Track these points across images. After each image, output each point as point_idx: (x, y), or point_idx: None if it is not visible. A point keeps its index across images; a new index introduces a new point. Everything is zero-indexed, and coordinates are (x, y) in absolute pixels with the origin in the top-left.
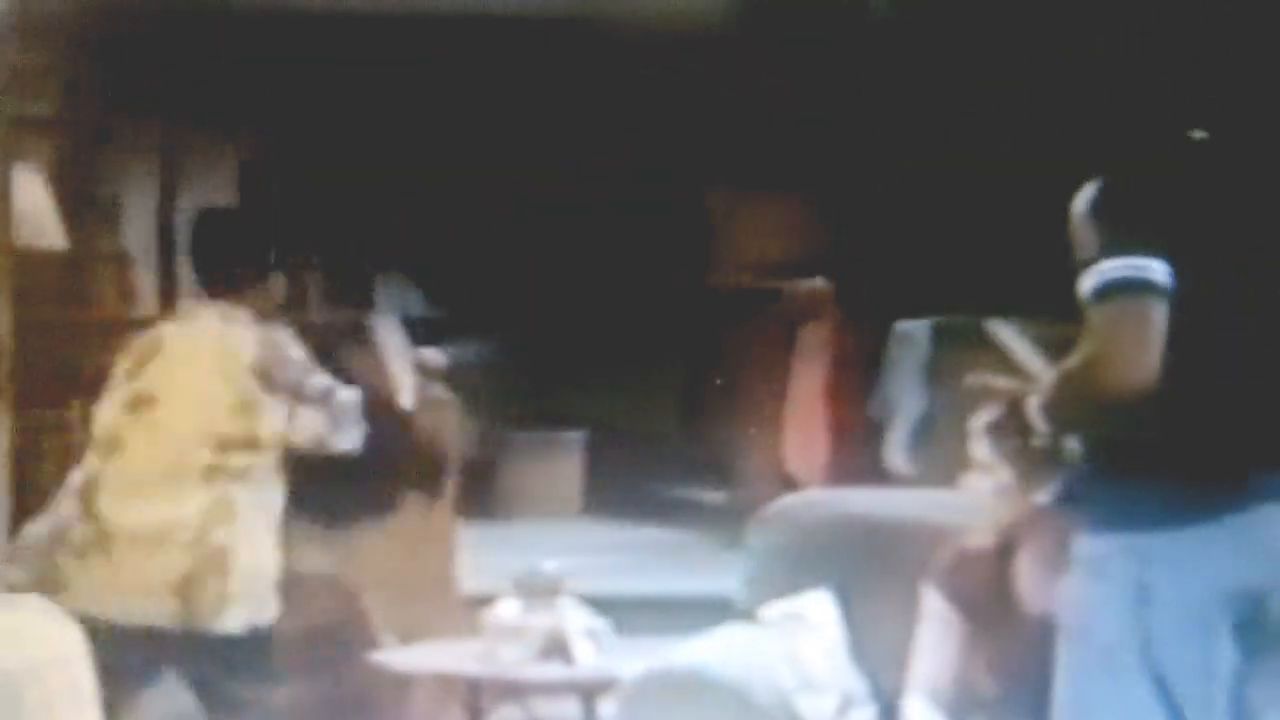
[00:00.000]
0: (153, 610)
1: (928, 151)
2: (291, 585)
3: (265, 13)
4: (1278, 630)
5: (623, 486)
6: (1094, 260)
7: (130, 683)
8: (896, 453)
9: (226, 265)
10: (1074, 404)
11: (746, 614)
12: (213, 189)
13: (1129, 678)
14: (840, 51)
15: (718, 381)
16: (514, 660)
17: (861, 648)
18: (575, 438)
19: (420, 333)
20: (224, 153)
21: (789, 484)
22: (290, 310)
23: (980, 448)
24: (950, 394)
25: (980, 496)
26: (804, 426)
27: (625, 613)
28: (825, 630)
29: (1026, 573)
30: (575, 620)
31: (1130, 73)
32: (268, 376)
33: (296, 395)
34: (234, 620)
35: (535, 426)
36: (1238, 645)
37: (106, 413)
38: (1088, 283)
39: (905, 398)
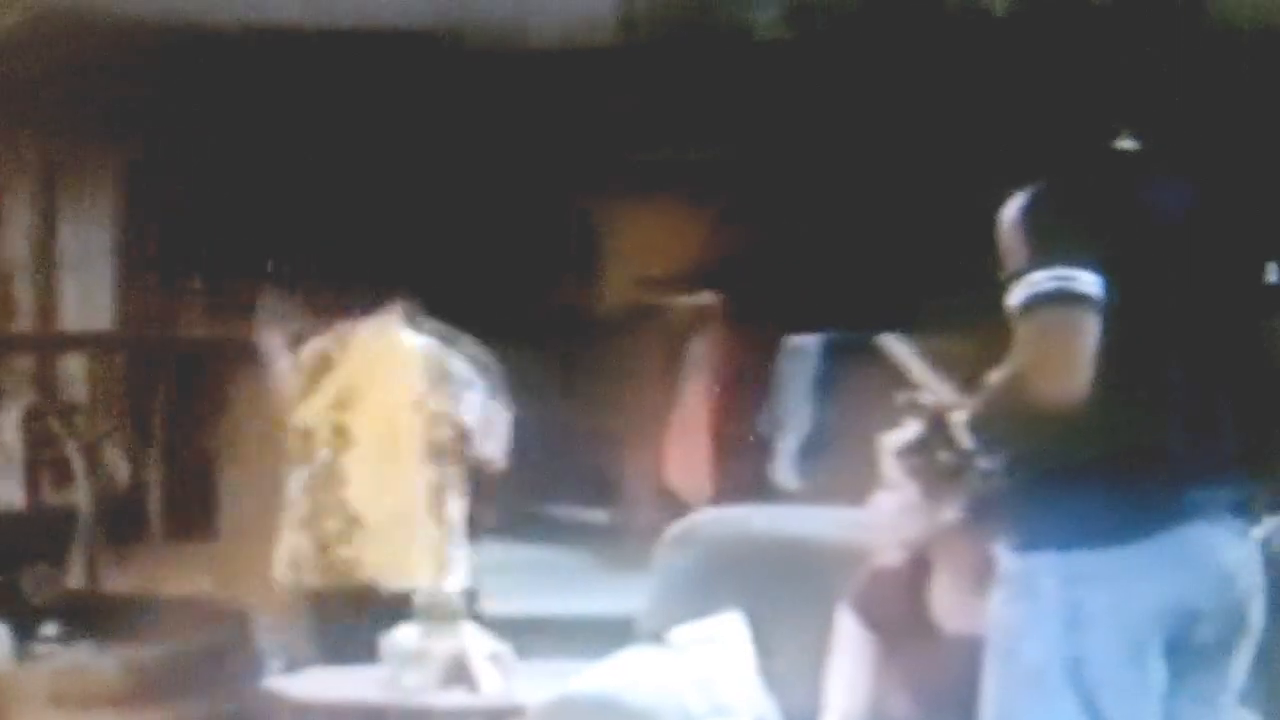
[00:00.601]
0: (402, 578)
1: (818, 164)
2: (171, 607)
3: (145, 23)
4: (1210, 650)
5: (502, 505)
6: (1023, 272)
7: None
8: (786, 469)
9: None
10: (1002, 419)
11: (653, 637)
12: (93, 203)
13: (1058, 698)
14: (728, 65)
15: (601, 398)
16: (416, 687)
17: (774, 671)
18: None
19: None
20: (106, 166)
21: (674, 502)
22: (169, 324)
23: (892, 465)
24: (842, 409)
25: (892, 515)
26: (690, 444)
27: (520, 636)
28: (737, 654)
29: (941, 592)
30: (478, 645)
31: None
32: (445, 370)
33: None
34: (457, 580)
35: None
36: (1169, 665)
37: (314, 413)
38: (1016, 294)
39: (795, 413)
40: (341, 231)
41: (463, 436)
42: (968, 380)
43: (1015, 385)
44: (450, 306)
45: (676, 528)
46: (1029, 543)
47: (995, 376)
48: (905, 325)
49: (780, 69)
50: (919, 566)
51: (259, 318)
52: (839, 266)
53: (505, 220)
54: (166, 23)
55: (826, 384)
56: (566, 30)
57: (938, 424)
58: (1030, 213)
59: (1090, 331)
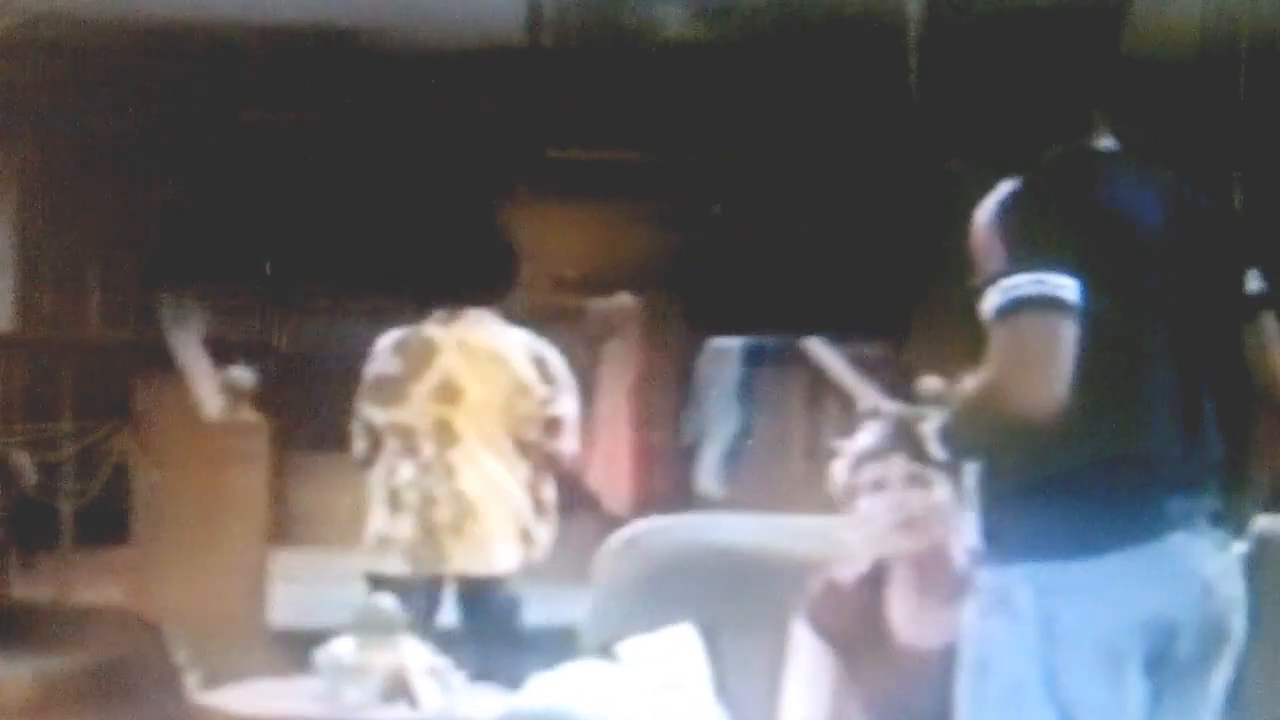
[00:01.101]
0: (504, 560)
1: (737, 165)
2: (83, 616)
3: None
4: (1190, 664)
5: None
6: (999, 275)
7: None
8: (708, 476)
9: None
10: (978, 428)
11: (599, 650)
12: None
13: (1034, 714)
14: (639, 64)
15: None
16: (356, 703)
17: (728, 686)
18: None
19: (221, 352)
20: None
21: (594, 510)
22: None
23: (849, 474)
24: (766, 415)
25: (850, 525)
26: (608, 449)
27: (452, 648)
28: (690, 668)
29: (900, 603)
30: (418, 659)
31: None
32: (542, 365)
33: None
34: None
35: (327, 448)
36: (1148, 680)
37: (418, 407)
38: (992, 300)
39: (718, 419)
40: (250, 236)
41: (557, 429)
42: (894, 385)
43: (992, 394)
44: (365, 307)
45: (619, 536)
46: (1004, 554)
47: (969, 384)
48: (830, 329)
49: (693, 68)
50: (876, 576)
51: (164, 321)
52: (761, 268)
53: (417, 221)
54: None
55: (749, 389)
56: (476, 30)
57: (903, 434)
58: (1007, 214)
59: (1070, 338)
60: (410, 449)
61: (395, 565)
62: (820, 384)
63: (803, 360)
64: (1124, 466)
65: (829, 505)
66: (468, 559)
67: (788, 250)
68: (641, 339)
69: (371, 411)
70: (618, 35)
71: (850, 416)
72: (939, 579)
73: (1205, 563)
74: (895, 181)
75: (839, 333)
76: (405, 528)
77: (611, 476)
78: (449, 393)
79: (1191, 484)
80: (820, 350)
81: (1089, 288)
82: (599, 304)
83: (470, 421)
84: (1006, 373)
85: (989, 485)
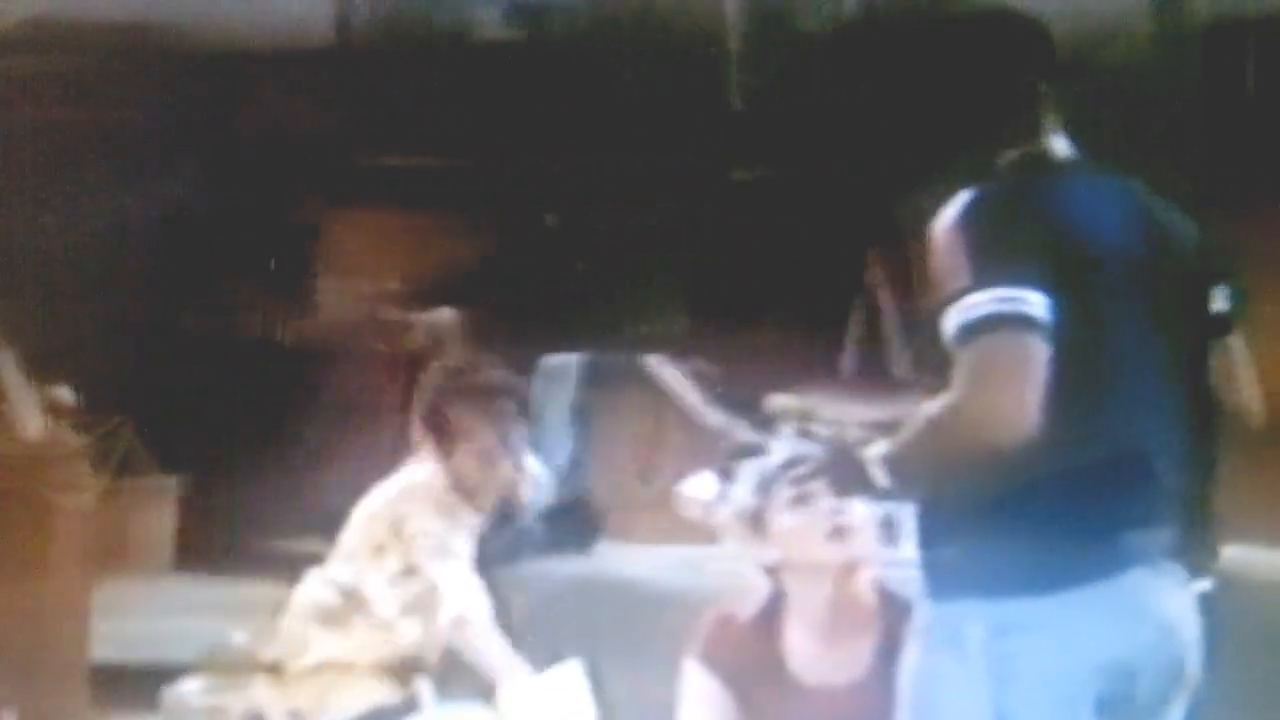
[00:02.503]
0: None
1: (567, 171)
2: None
3: None
4: (1147, 709)
5: (222, 538)
6: (962, 292)
7: None
8: (542, 499)
9: None
10: (937, 456)
11: (480, 688)
12: None
13: None
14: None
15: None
16: None
17: None
18: (168, 484)
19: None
20: None
21: None
22: None
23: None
24: (603, 436)
25: (741, 557)
26: None
27: None
28: (576, 706)
29: (798, 639)
30: (274, 699)
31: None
32: None
33: None
34: None
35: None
36: None
37: None
38: (955, 317)
39: (551, 441)
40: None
41: None
42: (742, 404)
43: (955, 419)
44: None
45: None
46: (952, 588)
47: (929, 409)
48: (670, 346)
49: (507, 71)
50: (771, 612)
51: None
52: (594, 280)
53: (223, 229)
54: None
55: (585, 408)
56: (282, 30)
57: (840, 459)
58: (967, 225)
59: (1041, 359)
60: None
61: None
62: (661, 403)
63: (642, 378)
64: (1082, 496)
65: (671, 530)
66: None
67: (621, 262)
68: (467, 355)
69: None
70: (430, 36)
71: (694, 437)
72: (840, 613)
73: (1165, 601)
74: (721, 189)
75: (678, 349)
76: None
77: None
78: None
79: (1152, 516)
80: (661, 368)
81: (1053, 303)
82: (418, 319)
83: None
84: (974, 397)
85: (934, 515)
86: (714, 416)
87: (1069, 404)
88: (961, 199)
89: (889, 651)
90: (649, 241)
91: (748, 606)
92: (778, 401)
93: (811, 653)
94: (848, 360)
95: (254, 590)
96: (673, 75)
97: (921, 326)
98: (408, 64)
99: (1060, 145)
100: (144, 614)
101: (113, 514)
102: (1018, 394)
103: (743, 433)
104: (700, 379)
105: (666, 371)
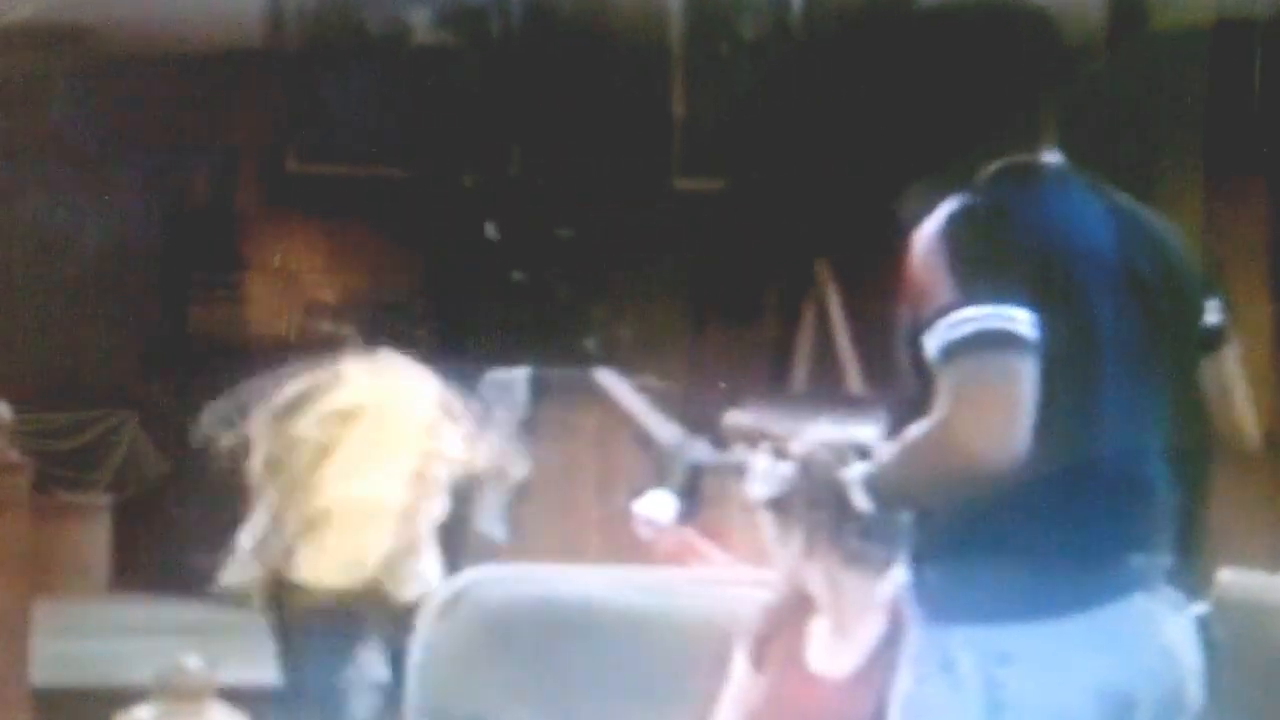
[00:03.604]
0: (359, 579)
1: (508, 182)
2: None
3: None
4: None
5: (158, 559)
6: (946, 309)
7: (337, 642)
8: (489, 520)
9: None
10: (921, 479)
11: (425, 716)
12: None
13: None
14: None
15: None
16: None
17: None
18: (103, 503)
19: None
20: None
21: None
22: None
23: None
24: (551, 451)
25: (702, 577)
26: None
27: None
28: None
29: (819, 632)
30: None
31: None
32: (450, 408)
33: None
34: (414, 591)
35: (58, 490)
36: None
37: (308, 428)
38: (941, 335)
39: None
40: None
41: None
42: (687, 419)
43: (941, 442)
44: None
45: (444, 591)
46: (945, 615)
47: (914, 431)
48: (615, 359)
49: (442, 76)
50: (800, 604)
51: None
52: (533, 292)
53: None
54: None
55: (534, 423)
56: (212, 31)
57: (810, 480)
58: (951, 238)
59: (1030, 378)
60: (286, 465)
61: (242, 573)
62: (611, 418)
63: (592, 393)
64: (1078, 519)
65: (623, 548)
66: (316, 569)
67: (562, 273)
68: None
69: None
70: (363, 41)
71: (645, 453)
72: (857, 610)
73: (1164, 627)
74: (665, 197)
75: (626, 364)
76: (270, 533)
77: None
78: (346, 416)
79: (1148, 539)
80: (612, 382)
81: (1042, 320)
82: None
83: (360, 443)
84: (959, 418)
85: (924, 539)
86: (669, 433)
87: (1062, 423)
88: (945, 210)
89: (884, 650)
90: (590, 251)
91: (784, 596)
92: (735, 419)
93: (824, 645)
94: (799, 375)
95: (193, 611)
96: (615, 82)
97: (905, 338)
98: (340, 69)
99: (1049, 153)
100: (82, 635)
101: (48, 532)
102: (1004, 415)
103: (700, 450)
104: (650, 394)
105: (618, 387)
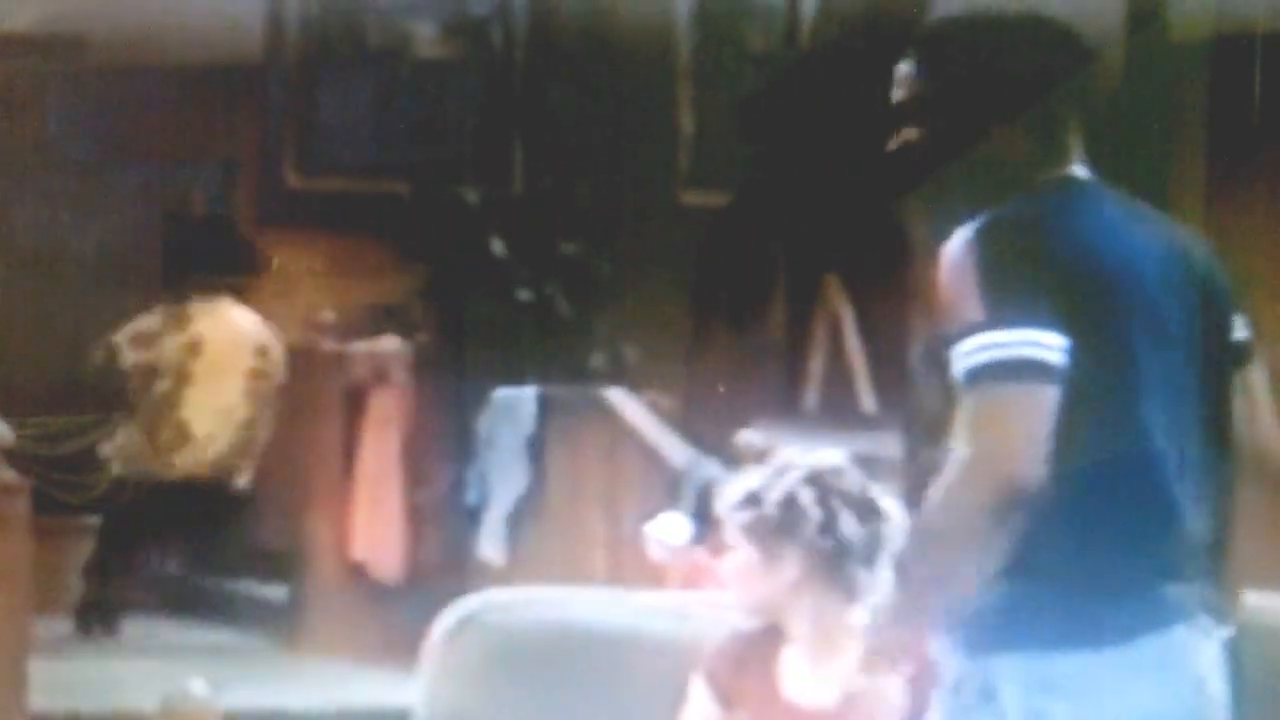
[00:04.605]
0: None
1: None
2: None
3: None
4: None
5: (150, 580)
6: (974, 329)
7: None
8: (491, 540)
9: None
10: (959, 516)
11: None
12: None
13: None
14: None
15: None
16: None
17: None
18: (94, 525)
19: None
20: None
21: (359, 576)
22: None
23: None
24: (558, 472)
25: (734, 579)
26: (375, 509)
27: None
28: None
29: (794, 662)
30: None
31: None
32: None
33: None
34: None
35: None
36: None
37: (167, 354)
38: (967, 357)
39: (502, 477)
40: None
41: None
42: (708, 440)
43: (973, 472)
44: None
45: (450, 616)
46: (988, 645)
47: (946, 479)
48: (623, 378)
49: (446, 90)
50: (771, 633)
51: None
52: (540, 309)
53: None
54: None
55: (539, 443)
56: (212, 44)
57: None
58: (983, 254)
59: (1052, 406)
60: (149, 384)
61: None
62: (620, 438)
63: (601, 411)
64: (1119, 546)
65: (631, 570)
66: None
67: (568, 290)
68: (412, 388)
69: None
70: (365, 53)
71: (655, 473)
72: (833, 635)
73: (1199, 655)
74: (667, 209)
75: (633, 381)
76: (138, 441)
77: (381, 542)
78: (194, 346)
79: (1186, 566)
80: (621, 401)
81: (1076, 342)
82: (362, 349)
83: (206, 368)
84: (990, 444)
85: (968, 572)
86: (680, 453)
87: (1102, 447)
88: (975, 224)
89: (872, 674)
90: (595, 267)
91: (752, 626)
92: (747, 438)
93: (805, 675)
94: (811, 392)
95: (198, 633)
96: (620, 95)
97: (928, 353)
98: (341, 81)
99: (1078, 167)
100: (81, 657)
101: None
102: (1033, 441)
103: (712, 470)
104: (659, 412)
105: (628, 405)
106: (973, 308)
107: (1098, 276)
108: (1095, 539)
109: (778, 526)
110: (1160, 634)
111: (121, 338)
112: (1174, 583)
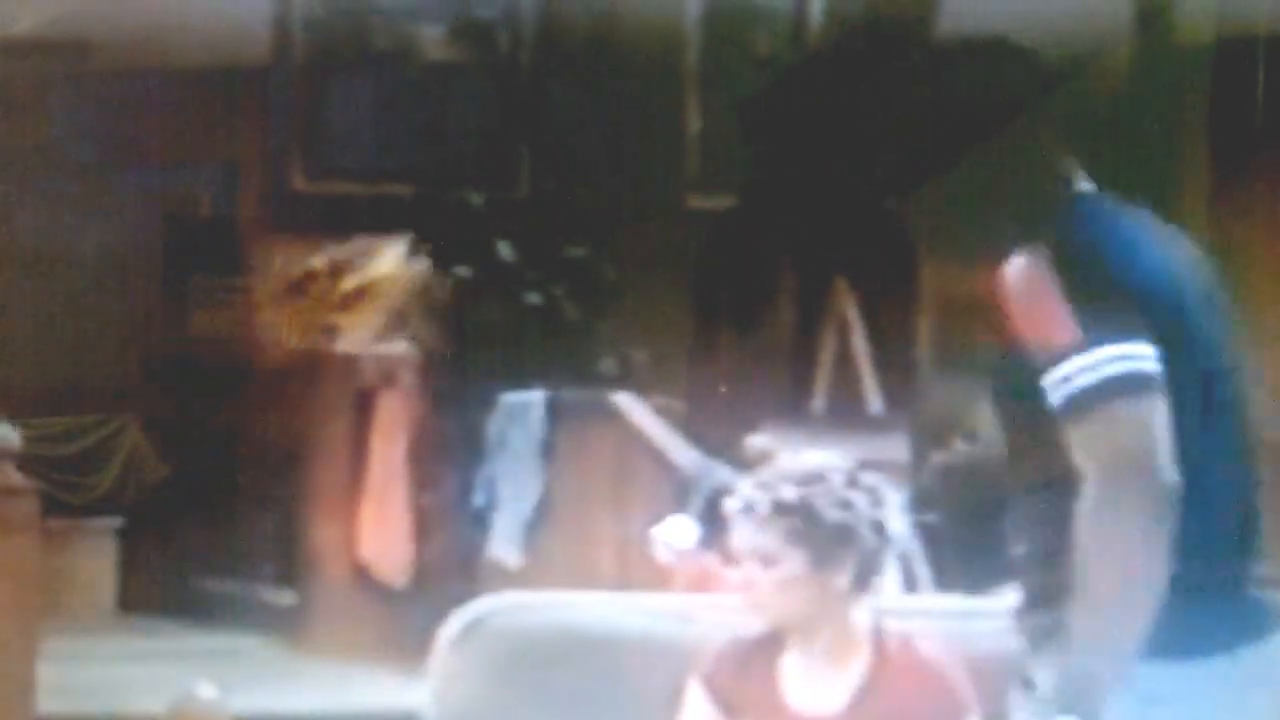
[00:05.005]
0: None
1: (521, 201)
2: None
3: None
4: None
5: (163, 583)
6: (1071, 352)
7: None
8: (504, 543)
9: None
10: (1129, 537)
11: None
12: None
13: None
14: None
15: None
16: None
17: None
18: (107, 526)
19: None
20: None
21: (366, 579)
22: None
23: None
24: (568, 475)
25: (769, 593)
26: (383, 512)
27: None
28: None
29: (794, 668)
30: None
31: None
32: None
33: None
34: None
35: (62, 513)
36: None
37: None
38: (1074, 381)
39: (514, 480)
40: None
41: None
42: (717, 444)
43: (1122, 488)
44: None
45: (458, 619)
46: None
47: (1086, 505)
48: (631, 382)
49: (453, 93)
50: (772, 638)
51: None
52: (548, 313)
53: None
54: None
55: (549, 447)
56: (218, 47)
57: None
58: (1064, 280)
59: (1166, 413)
60: None
61: None
62: (629, 442)
63: (609, 416)
64: (1217, 554)
65: (640, 573)
66: None
67: (576, 293)
68: (422, 391)
69: None
70: (372, 57)
71: (664, 477)
72: (836, 642)
73: None
74: (674, 212)
75: (642, 386)
76: None
77: (387, 545)
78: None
79: (1267, 571)
80: (629, 405)
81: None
82: (372, 352)
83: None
84: (1123, 461)
85: (1063, 578)
86: (689, 457)
87: (1195, 457)
88: (1034, 251)
89: (873, 684)
90: (602, 271)
91: (753, 631)
92: (757, 442)
93: (805, 682)
94: (820, 396)
95: (202, 637)
96: (627, 98)
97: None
98: (348, 84)
99: (1084, 181)
100: (90, 661)
101: (55, 555)
102: (1163, 451)
103: (720, 474)
104: (668, 416)
105: (637, 409)
106: (1059, 332)
107: (1159, 289)
108: (1194, 549)
109: (835, 532)
110: (1260, 643)
111: None
112: (1266, 588)
